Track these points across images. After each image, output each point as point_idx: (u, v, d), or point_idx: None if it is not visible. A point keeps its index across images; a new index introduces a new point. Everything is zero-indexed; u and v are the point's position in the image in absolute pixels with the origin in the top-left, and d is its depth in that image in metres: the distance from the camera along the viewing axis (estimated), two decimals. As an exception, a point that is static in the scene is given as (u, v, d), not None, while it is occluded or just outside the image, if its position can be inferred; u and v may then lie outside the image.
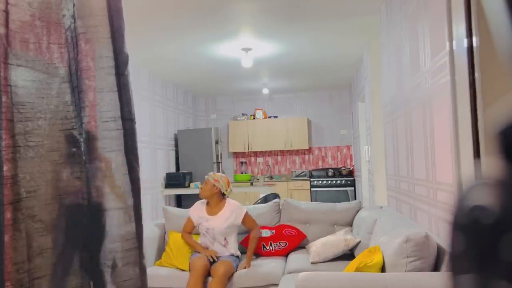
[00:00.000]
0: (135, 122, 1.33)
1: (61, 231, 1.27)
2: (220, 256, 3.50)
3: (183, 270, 3.59)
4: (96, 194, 1.26)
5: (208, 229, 3.54)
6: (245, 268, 3.44)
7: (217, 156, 8.24)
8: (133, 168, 1.28)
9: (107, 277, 1.24)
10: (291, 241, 3.85)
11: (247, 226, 3.66)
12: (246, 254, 3.56)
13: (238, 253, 3.60)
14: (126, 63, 1.30)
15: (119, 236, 1.25)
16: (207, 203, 3.67)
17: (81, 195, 1.29)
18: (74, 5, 1.29)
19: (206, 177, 3.67)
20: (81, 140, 1.30)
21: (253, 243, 3.60)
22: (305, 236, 3.90)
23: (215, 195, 3.60)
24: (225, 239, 3.54)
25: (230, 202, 3.66)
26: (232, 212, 3.57)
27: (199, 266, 3.24)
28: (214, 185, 3.58)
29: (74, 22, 1.29)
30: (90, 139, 1.27)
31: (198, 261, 3.29)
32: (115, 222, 1.25)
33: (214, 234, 3.53)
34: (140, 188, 1.31)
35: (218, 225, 3.53)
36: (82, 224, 1.29)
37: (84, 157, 1.29)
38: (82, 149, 1.30)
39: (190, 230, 3.69)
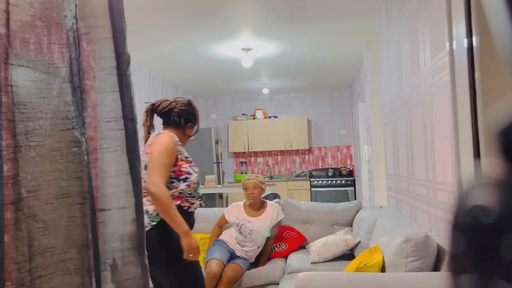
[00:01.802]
0: (137, 122, 1.33)
1: (63, 231, 1.27)
2: (238, 257, 3.45)
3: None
4: (97, 194, 1.27)
5: (252, 230, 3.50)
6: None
7: (217, 156, 8.24)
8: (134, 168, 1.29)
9: (109, 276, 1.24)
10: (291, 243, 3.85)
11: (274, 229, 3.68)
12: (264, 254, 3.60)
13: (253, 259, 3.59)
14: (128, 63, 1.30)
15: (121, 235, 1.25)
16: (248, 205, 3.65)
17: (82, 195, 1.29)
18: (76, 5, 1.29)
19: (251, 180, 3.59)
20: (83, 140, 1.30)
21: (267, 251, 3.66)
22: (305, 239, 3.89)
23: (260, 196, 3.64)
24: (262, 242, 3.55)
25: (270, 204, 3.69)
26: (273, 213, 3.60)
27: (214, 272, 3.18)
28: (262, 188, 3.61)
29: (76, 23, 1.29)
30: (92, 139, 1.28)
31: (215, 267, 3.21)
32: (117, 222, 1.25)
33: (257, 236, 3.50)
34: (141, 188, 1.31)
35: (263, 226, 3.52)
36: (83, 223, 1.29)
37: (85, 157, 1.30)
38: (84, 148, 1.30)
39: (223, 224, 3.68)
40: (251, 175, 3.68)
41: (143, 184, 1.82)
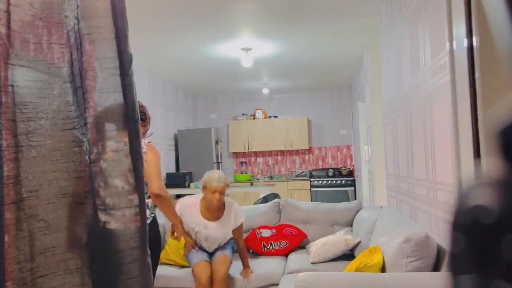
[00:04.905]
0: (139, 122, 1.33)
1: (64, 230, 1.27)
2: (219, 247, 3.33)
3: (182, 267, 3.58)
4: (99, 193, 1.27)
5: (209, 237, 3.25)
6: (247, 276, 3.29)
7: (217, 156, 8.24)
8: (137, 168, 1.29)
9: (112, 275, 1.25)
10: (292, 240, 3.85)
11: (237, 235, 3.33)
12: (243, 264, 3.34)
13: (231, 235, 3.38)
14: (130, 63, 1.31)
15: (123, 234, 1.25)
16: (204, 206, 3.25)
17: (83, 194, 1.30)
18: (77, 6, 1.29)
19: (221, 185, 3.12)
20: (84, 139, 1.30)
21: (245, 253, 3.38)
22: (305, 236, 3.90)
23: None
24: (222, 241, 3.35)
25: (229, 204, 3.32)
26: (234, 216, 3.29)
27: (205, 276, 3.08)
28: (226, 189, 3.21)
29: (78, 23, 1.29)
30: (94, 139, 1.28)
31: (202, 270, 3.10)
32: (119, 221, 1.25)
33: (213, 241, 3.27)
34: (144, 188, 1.31)
35: (220, 234, 3.25)
36: (85, 223, 1.29)
37: (87, 157, 1.30)
38: (85, 148, 1.30)
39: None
40: (218, 176, 3.17)
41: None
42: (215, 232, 3.24)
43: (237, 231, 3.33)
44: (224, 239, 3.33)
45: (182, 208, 3.26)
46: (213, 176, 3.17)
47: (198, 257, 3.23)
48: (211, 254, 3.35)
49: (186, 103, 8.91)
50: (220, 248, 3.34)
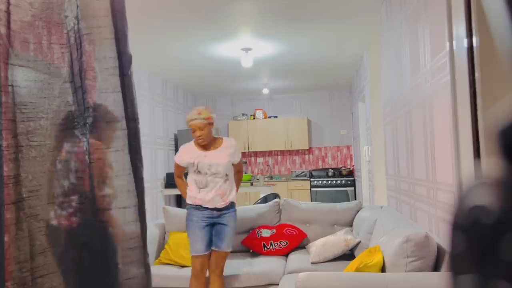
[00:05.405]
0: (138, 122, 1.33)
1: (64, 230, 1.27)
2: (223, 213, 3.16)
3: (182, 266, 3.58)
4: (99, 193, 1.27)
5: (211, 164, 3.10)
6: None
7: (217, 156, 8.23)
8: (137, 168, 1.29)
9: (111, 275, 1.25)
10: (292, 240, 3.85)
11: (238, 166, 3.31)
12: (236, 186, 3.32)
13: (235, 197, 3.27)
14: (130, 63, 1.31)
15: (123, 234, 1.25)
16: (199, 144, 3.17)
17: (83, 194, 1.30)
18: (77, 6, 1.29)
19: (196, 121, 3.03)
20: (84, 139, 1.30)
21: (239, 185, 3.37)
22: (305, 235, 3.90)
23: (211, 133, 3.15)
24: (227, 174, 3.16)
25: (226, 139, 3.25)
26: (233, 147, 3.20)
27: (200, 267, 3.09)
28: (210, 123, 3.09)
29: (78, 23, 1.29)
30: (94, 139, 1.28)
31: (202, 265, 3.10)
32: (119, 221, 1.25)
33: (217, 169, 3.11)
34: (144, 188, 1.31)
35: (221, 159, 3.12)
36: (85, 223, 1.29)
37: (87, 157, 1.30)
38: (85, 148, 1.30)
39: (180, 173, 3.30)
40: (197, 111, 3.08)
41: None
42: (216, 157, 3.12)
43: (238, 165, 3.29)
44: (227, 165, 3.15)
45: (179, 156, 3.21)
46: (191, 113, 3.10)
47: (199, 245, 3.11)
48: (211, 230, 3.18)
49: (186, 103, 8.90)
50: (221, 231, 3.18)
